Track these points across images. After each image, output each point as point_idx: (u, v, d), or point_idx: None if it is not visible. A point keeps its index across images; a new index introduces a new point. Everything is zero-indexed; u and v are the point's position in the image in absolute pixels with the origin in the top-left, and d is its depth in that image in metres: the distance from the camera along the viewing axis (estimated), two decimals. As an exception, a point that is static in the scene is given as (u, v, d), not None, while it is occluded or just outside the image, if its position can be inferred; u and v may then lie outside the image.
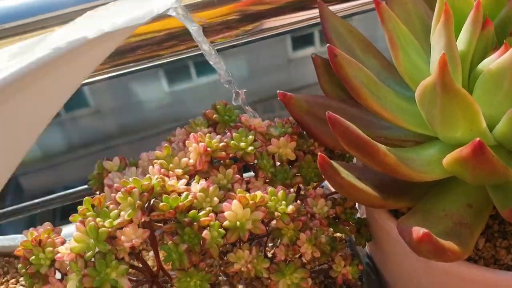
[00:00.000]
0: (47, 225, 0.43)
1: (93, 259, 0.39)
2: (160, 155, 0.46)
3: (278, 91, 0.48)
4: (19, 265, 0.42)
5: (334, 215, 0.46)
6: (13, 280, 0.54)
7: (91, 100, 5.65)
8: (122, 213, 0.41)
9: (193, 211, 0.40)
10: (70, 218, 0.42)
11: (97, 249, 0.39)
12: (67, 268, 0.41)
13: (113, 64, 0.64)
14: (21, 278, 0.55)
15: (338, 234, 0.50)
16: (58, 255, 0.41)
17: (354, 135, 0.39)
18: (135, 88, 5.70)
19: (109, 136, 5.56)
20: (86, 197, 0.42)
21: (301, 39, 5.89)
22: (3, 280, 0.54)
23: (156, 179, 0.42)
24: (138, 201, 0.40)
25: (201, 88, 5.91)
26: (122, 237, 0.40)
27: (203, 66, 5.85)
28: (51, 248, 0.41)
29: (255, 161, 0.46)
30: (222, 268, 0.44)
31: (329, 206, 0.45)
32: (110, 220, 0.40)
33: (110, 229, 0.39)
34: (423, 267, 0.44)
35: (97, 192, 0.50)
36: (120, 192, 0.41)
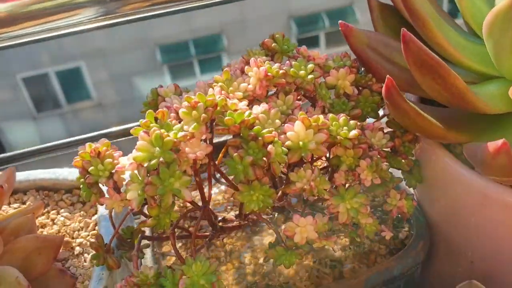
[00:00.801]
0: (103, 140, 0.42)
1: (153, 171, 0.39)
2: (220, 79, 0.45)
3: (340, 21, 0.47)
4: (77, 176, 0.41)
5: (392, 148, 0.45)
6: (54, 211, 0.53)
7: (94, 93, 5.65)
8: (185, 127, 0.40)
9: (257, 127, 0.40)
10: (132, 130, 0.41)
11: (161, 159, 0.38)
12: (125, 182, 0.41)
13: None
14: (62, 210, 0.54)
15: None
16: (119, 165, 0.40)
17: (427, 55, 0.39)
18: (137, 83, 5.71)
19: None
20: (149, 110, 0.41)
21: (305, 41, 5.91)
22: (44, 211, 0.53)
23: (219, 97, 0.41)
24: (203, 115, 0.39)
25: (205, 86, 5.93)
26: (187, 149, 0.39)
27: (207, 64, 5.86)
28: (110, 160, 0.40)
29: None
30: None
31: (387, 139, 0.45)
32: (174, 131, 0.39)
33: (175, 140, 0.39)
34: (479, 202, 0.44)
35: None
36: (184, 107, 0.40)
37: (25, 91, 5.48)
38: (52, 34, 0.64)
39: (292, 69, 0.45)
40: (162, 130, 0.39)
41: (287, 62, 0.46)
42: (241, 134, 0.40)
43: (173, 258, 0.51)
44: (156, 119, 0.41)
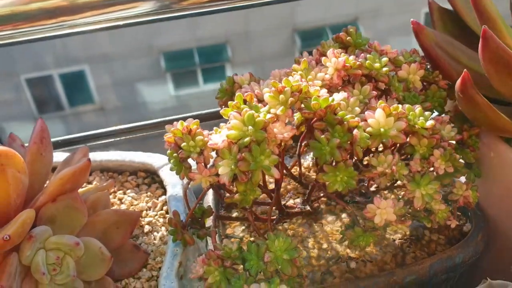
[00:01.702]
0: (191, 120, 0.44)
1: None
2: (298, 68, 0.47)
3: (412, 19, 0.50)
4: (168, 152, 0.43)
5: (458, 141, 0.48)
6: (120, 192, 0.55)
7: (96, 96, 5.67)
8: (271, 110, 0.42)
9: (342, 112, 0.42)
10: (221, 111, 0.43)
11: (252, 138, 0.40)
12: (213, 159, 0.43)
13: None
14: (128, 191, 0.55)
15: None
16: (210, 142, 0.42)
17: (505, 52, 0.41)
18: (140, 89, 5.72)
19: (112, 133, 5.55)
20: (239, 92, 0.43)
21: (309, 54, 5.95)
22: (111, 191, 0.55)
23: (302, 84, 0.43)
24: (290, 99, 0.42)
25: (207, 94, 5.95)
26: (275, 129, 0.41)
27: (210, 73, 5.89)
28: (201, 137, 0.42)
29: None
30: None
31: (455, 132, 0.47)
32: (263, 112, 0.41)
33: (265, 120, 0.41)
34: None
35: (222, 107, 0.52)
36: (271, 92, 0.42)
37: (28, 92, 5.48)
38: (109, 24, 0.66)
39: (367, 61, 0.47)
40: (253, 111, 0.41)
41: (362, 54, 0.48)
42: (326, 118, 0.42)
43: (237, 240, 0.53)
44: (245, 101, 0.43)
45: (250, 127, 0.40)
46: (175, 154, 0.42)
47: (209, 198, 0.56)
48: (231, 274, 0.42)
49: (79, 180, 0.45)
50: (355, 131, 0.41)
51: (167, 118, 0.65)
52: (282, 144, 0.43)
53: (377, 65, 0.47)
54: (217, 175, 0.42)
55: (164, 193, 0.55)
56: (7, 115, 5.40)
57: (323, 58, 0.48)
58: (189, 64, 5.77)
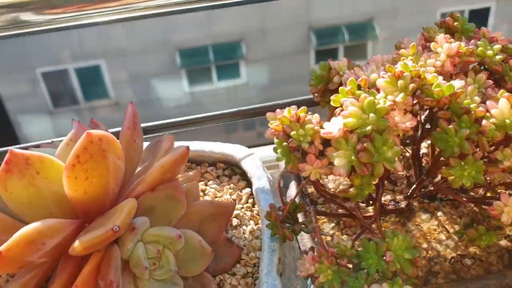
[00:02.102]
0: (295, 107, 0.41)
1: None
2: (406, 53, 0.44)
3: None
4: (276, 141, 0.40)
5: None
6: (201, 183, 0.52)
7: (112, 92, 5.66)
8: (389, 97, 0.39)
9: (467, 100, 0.39)
10: (332, 97, 0.40)
11: (373, 127, 0.37)
12: (324, 149, 0.40)
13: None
14: (210, 182, 0.53)
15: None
16: (323, 131, 0.39)
17: None
18: (155, 85, 5.72)
19: (126, 129, 5.54)
20: (351, 78, 0.40)
21: (324, 53, 5.93)
22: (193, 182, 0.52)
23: (420, 69, 0.40)
24: (411, 85, 0.39)
25: (221, 92, 5.93)
26: (396, 118, 0.38)
27: (224, 70, 5.88)
28: (311, 125, 0.39)
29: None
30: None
31: None
32: (383, 99, 0.38)
33: (387, 107, 0.38)
34: None
35: (315, 94, 0.49)
36: (387, 77, 0.39)
37: (44, 85, 5.48)
38: (170, 9, 0.63)
39: (479, 48, 0.44)
40: (372, 97, 0.38)
41: (472, 41, 0.45)
42: (451, 107, 0.39)
43: (328, 238, 0.50)
44: (359, 86, 0.40)
45: (371, 115, 0.37)
46: (284, 144, 0.39)
47: (292, 193, 0.53)
48: (345, 273, 0.39)
49: (178, 168, 0.42)
50: (484, 122, 0.38)
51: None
52: (401, 135, 0.40)
53: (489, 52, 0.44)
54: (328, 166, 0.39)
55: (247, 185, 0.53)
56: (22, 108, 5.41)
57: (432, 44, 0.44)
58: (204, 61, 5.75)
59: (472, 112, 0.38)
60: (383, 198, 0.53)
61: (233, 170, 0.55)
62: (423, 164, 0.55)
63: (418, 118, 0.45)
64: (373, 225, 0.51)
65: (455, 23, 0.47)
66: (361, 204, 0.52)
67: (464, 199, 0.43)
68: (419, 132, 0.47)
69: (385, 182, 0.55)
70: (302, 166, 0.39)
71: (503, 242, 0.47)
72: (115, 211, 0.37)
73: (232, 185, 0.52)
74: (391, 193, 0.54)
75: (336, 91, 0.47)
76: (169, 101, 5.84)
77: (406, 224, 0.51)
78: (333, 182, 0.56)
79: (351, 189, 0.39)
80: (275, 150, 0.41)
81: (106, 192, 0.39)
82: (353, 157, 0.37)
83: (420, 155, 0.52)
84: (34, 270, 0.40)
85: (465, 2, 5.23)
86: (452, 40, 0.44)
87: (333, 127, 0.39)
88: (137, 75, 5.56)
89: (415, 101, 0.40)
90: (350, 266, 0.40)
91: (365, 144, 0.37)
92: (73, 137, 0.40)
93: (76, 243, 0.35)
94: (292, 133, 0.39)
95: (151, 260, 0.39)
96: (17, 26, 0.60)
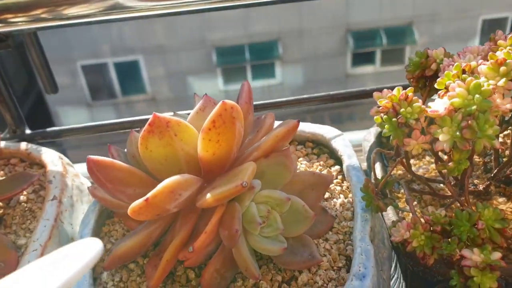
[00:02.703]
0: (401, 88, 0.45)
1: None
2: (504, 43, 0.48)
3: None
4: (384, 116, 0.44)
5: None
6: (293, 159, 0.57)
7: (149, 87, 5.79)
8: (490, 81, 0.43)
9: None
10: (439, 80, 0.44)
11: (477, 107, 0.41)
12: (427, 127, 0.43)
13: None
14: (300, 158, 0.57)
15: None
16: (431, 109, 0.43)
17: None
18: (191, 82, 5.81)
19: (162, 123, 5.65)
20: (457, 63, 0.44)
21: (361, 56, 5.92)
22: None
23: (518, 57, 0.43)
24: (512, 71, 0.42)
25: (255, 91, 5.98)
26: (498, 100, 0.42)
27: (260, 70, 5.92)
28: (418, 104, 0.43)
29: None
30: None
31: None
32: (487, 82, 0.42)
33: (491, 89, 0.41)
34: None
35: (411, 80, 0.53)
36: (489, 64, 0.43)
37: (83, 78, 5.64)
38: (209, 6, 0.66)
39: None
40: (478, 80, 0.42)
41: None
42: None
43: (410, 214, 0.54)
44: (464, 71, 0.44)
45: (477, 96, 0.41)
46: (393, 119, 0.43)
47: (378, 172, 0.57)
48: (437, 239, 0.43)
49: (289, 139, 0.46)
50: None
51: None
52: (499, 116, 0.43)
53: None
54: (431, 143, 0.43)
55: (336, 163, 0.57)
56: (62, 99, 5.58)
57: (526, 37, 0.48)
58: (240, 60, 5.82)
59: None
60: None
61: (321, 149, 0.59)
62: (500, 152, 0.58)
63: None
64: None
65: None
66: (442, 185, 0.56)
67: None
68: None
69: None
70: (407, 141, 0.43)
71: None
72: (239, 171, 0.42)
73: (321, 162, 0.56)
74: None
75: (432, 77, 0.51)
76: (204, 98, 5.92)
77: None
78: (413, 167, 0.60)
79: (450, 163, 0.43)
80: (381, 126, 0.45)
81: (229, 155, 0.43)
82: (457, 133, 0.41)
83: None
84: (157, 222, 0.45)
85: (509, 9, 5.14)
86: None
87: (440, 106, 0.42)
88: (174, 71, 5.67)
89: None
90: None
91: (469, 122, 0.41)
92: (202, 106, 0.45)
93: (208, 195, 0.40)
94: (401, 110, 0.43)
95: (261, 218, 0.43)
96: (118, 11, 0.65)
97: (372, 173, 0.53)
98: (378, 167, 0.57)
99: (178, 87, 5.81)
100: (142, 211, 0.39)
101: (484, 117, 0.41)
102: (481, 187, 0.54)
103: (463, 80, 0.42)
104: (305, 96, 0.65)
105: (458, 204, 0.54)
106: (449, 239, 0.43)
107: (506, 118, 0.53)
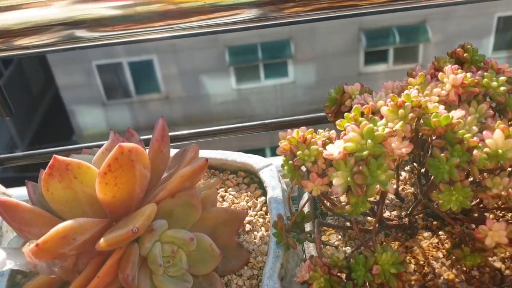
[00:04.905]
0: (304, 128, 0.45)
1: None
2: (414, 82, 0.47)
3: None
4: (283, 158, 0.44)
5: None
6: (222, 189, 0.57)
7: (162, 86, 5.84)
8: (389, 124, 0.43)
9: (462, 130, 0.42)
10: (337, 122, 0.44)
11: (370, 152, 0.41)
12: (326, 169, 0.44)
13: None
14: (230, 189, 0.58)
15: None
16: (326, 152, 0.43)
17: None
18: (204, 81, 5.84)
19: (174, 122, 5.71)
20: (356, 105, 0.44)
21: (374, 54, 5.86)
22: (213, 189, 0.57)
23: (422, 99, 0.43)
24: (410, 114, 0.42)
25: (267, 90, 5.98)
26: (393, 144, 0.42)
27: (272, 69, 5.91)
28: (316, 147, 0.44)
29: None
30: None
31: None
32: (382, 127, 0.42)
33: (384, 134, 0.41)
34: None
35: (329, 115, 0.53)
36: (389, 106, 0.43)
37: (98, 77, 5.72)
38: (213, 29, 0.67)
39: (484, 79, 0.47)
40: (371, 125, 0.42)
41: (479, 72, 0.47)
42: (446, 136, 0.42)
43: (331, 248, 0.54)
44: (362, 113, 0.44)
45: (368, 141, 0.41)
46: (290, 162, 0.44)
47: (303, 203, 0.57)
48: (336, 282, 0.43)
49: (197, 178, 0.47)
50: (475, 152, 0.41)
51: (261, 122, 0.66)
52: (398, 159, 0.43)
53: (494, 83, 0.47)
54: (329, 184, 0.43)
55: (263, 194, 0.57)
56: (77, 99, 5.67)
57: (439, 74, 0.47)
58: (252, 59, 5.82)
59: (465, 142, 0.41)
60: (389, 213, 0.56)
61: (252, 179, 0.60)
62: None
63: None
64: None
65: (465, 54, 0.50)
66: (369, 218, 0.56)
67: (452, 220, 0.46)
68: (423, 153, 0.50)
69: (395, 198, 0.58)
70: (304, 183, 0.44)
71: (498, 264, 0.50)
72: (137, 214, 0.43)
73: (249, 193, 0.57)
74: (398, 209, 0.57)
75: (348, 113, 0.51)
76: (217, 97, 5.96)
77: (408, 239, 0.54)
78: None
79: (347, 206, 0.43)
80: (282, 166, 0.45)
81: (132, 196, 0.44)
82: (349, 178, 0.41)
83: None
84: (68, 260, 0.46)
85: (525, 7, 5.02)
86: (460, 71, 0.47)
87: (335, 150, 0.43)
88: (187, 70, 5.70)
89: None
90: (344, 276, 0.44)
91: (360, 167, 0.41)
92: (109, 146, 0.46)
93: (101, 240, 0.41)
94: (298, 152, 0.44)
95: (166, 258, 0.44)
96: (72, 41, 0.67)
97: (287, 207, 0.53)
98: (305, 197, 0.57)
99: (191, 86, 5.84)
100: (36, 255, 0.40)
101: (377, 163, 0.41)
102: (406, 221, 0.54)
103: (359, 124, 0.42)
104: (238, 125, 0.65)
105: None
106: (346, 283, 0.43)
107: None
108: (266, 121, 0.64)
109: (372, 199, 0.49)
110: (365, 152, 0.41)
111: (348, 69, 5.76)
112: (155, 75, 5.81)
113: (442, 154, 0.41)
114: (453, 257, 0.45)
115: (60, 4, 0.64)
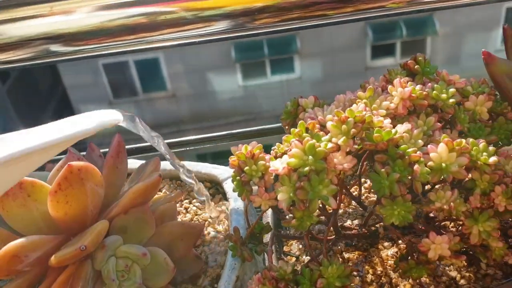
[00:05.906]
0: (255, 144, 0.46)
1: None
2: (363, 95, 0.48)
3: (483, 49, 0.49)
4: (232, 174, 0.45)
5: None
6: (186, 201, 0.58)
7: (169, 84, 5.86)
8: (333, 139, 0.43)
9: (404, 145, 0.42)
10: (283, 137, 0.45)
11: (312, 167, 0.42)
12: (273, 183, 0.44)
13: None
14: (194, 200, 0.59)
15: None
16: (272, 168, 0.44)
17: None
18: (210, 78, 5.85)
19: (181, 120, 5.74)
20: (301, 121, 0.45)
21: (381, 48, 5.82)
22: (178, 200, 0.58)
23: (366, 114, 0.44)
24: (353, 130, 0.42)
25: (274, 86, 5.98)
26: (335, 160, 0.42)
27: (278, 65, 5.90)
28: (263, 162, 0.44)
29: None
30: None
31: (522, 167, 0.46)
32: (324, 142, 0.43)
33: (326, 150, 0.42)
34: None
35: (286, 127, 0.53)
36: (333, 121, 0.43)
37: (105, 76, 5.76)
38: (186, 41, 0.69)
39: (434, 91, 0.47)
40: (314, 141, 0.42)
41: (429, 84, 0.48)
42: (388, 151, 0.42)
43: (293, 259, 0.55)
44: (307, 129, 0.44)
45: (310, 157, 0.42)
46: (238, 177, 0.45)
47: (269, 214, 0.58)
48: (285, 295, 0.44)
49: (150, 194, 0.48)
50: (415, 166, 0.41)
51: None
52: (342, 174, 0.44)
53: (443, 96, 0.47)
54: (276, 199, 0.44)
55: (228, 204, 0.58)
56: (85, 98, 5.72)
57: (389, 87, 0.48)
58: (258, 55, 5.82)
59: (407, 156, 0.42)
60: (351, 222, 0.57)
61: (217, 189, 0.60)
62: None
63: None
64: (335, 248, 0.55)
65: (416, 66, 0.50)
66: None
67: (400, 233, 0.46)
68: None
69: (357, 206, 0.59)
70: (252, 198, 0.45)
71: (453, 273, 0.50)
72: (88, 231, 0.44)
73: (213, 204, 0.58)
74: (360, 217, 0.58)
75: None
76: (224, 93, 5.97)
77: (368, 249, 0.54)
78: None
79: (293, 221, 0.44)
80: (232, 181, 0.46)
81: (85, 213, 0.45)
82: (291, 194, 0.42)
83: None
84: (26, 275, 0.48)
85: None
86: (409, 83, 0.48)
87: (279, 165, 0.43)
88: (193, 68, 5.72)
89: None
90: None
91: (302, 183, 0.41)
92: (63, 164, 0.48)
93: (53, 257, 0.42)
94: (245, 168, 0.44)
95: (120, 272, 0.45)
96: (48, 55, 0.68)
97: (245, 219, 0.54)
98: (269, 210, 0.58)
99: (197, 83, 5.86)
100: (-11, 272, 0.41)
101: (319, 178, 0.42)
102: (365, 230, 0.55)
103: (302, 140, 0.43)
104: (208, 135, 0.66)
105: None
106: (292, 297, 0.44)
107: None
108: (234, 131, 0.65)
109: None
110: (307, 168, 0.42)
111: (355, 63, 5.73)
112: (161, 73, 5.84)
113: (383, 169, 0.42)
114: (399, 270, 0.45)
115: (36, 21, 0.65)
